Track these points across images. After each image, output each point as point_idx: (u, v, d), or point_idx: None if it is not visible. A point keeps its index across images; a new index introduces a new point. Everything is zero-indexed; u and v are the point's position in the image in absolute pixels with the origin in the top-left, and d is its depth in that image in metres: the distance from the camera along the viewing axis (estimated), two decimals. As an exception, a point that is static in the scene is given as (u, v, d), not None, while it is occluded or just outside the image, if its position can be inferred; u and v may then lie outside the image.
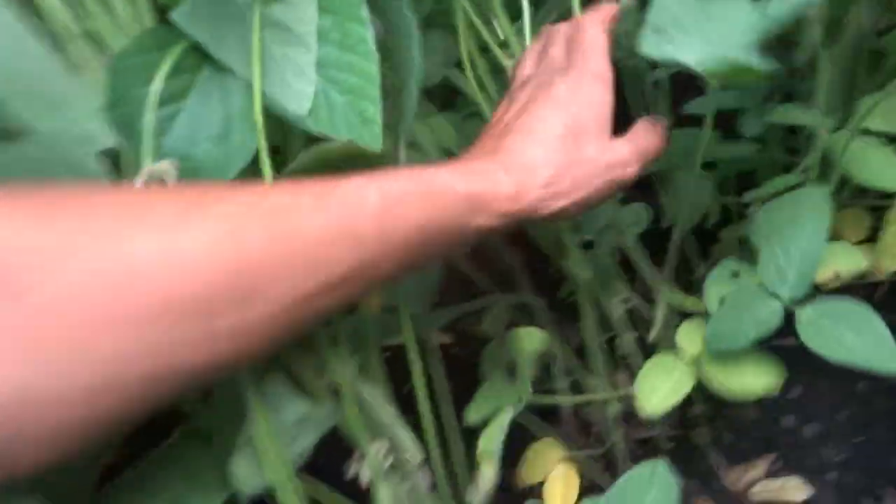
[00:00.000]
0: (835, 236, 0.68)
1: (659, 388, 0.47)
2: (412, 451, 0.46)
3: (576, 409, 0.67)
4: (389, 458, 0.45)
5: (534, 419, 0.63)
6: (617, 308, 0.55)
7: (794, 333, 0.76)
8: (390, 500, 0.45)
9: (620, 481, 0.39)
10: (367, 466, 0.44)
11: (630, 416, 0.70)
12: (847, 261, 0.50)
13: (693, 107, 0.58)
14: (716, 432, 0.71)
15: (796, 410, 0.72)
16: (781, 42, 0.60)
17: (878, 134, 0.51)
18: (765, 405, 0.72)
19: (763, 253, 0.46)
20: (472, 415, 0.53)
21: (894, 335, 0.70)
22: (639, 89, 0.64)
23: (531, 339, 0.52)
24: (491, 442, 0.48)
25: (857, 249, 0.51)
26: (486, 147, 0.40)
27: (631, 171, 0.41)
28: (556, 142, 0.39)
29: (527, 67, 0.46)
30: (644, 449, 0.70)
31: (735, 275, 0.49)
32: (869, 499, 0.64)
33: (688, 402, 0.68)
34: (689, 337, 0.49)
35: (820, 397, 0.72)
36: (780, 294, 0.45)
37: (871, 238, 0.66)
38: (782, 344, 0.72)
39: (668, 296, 0.54)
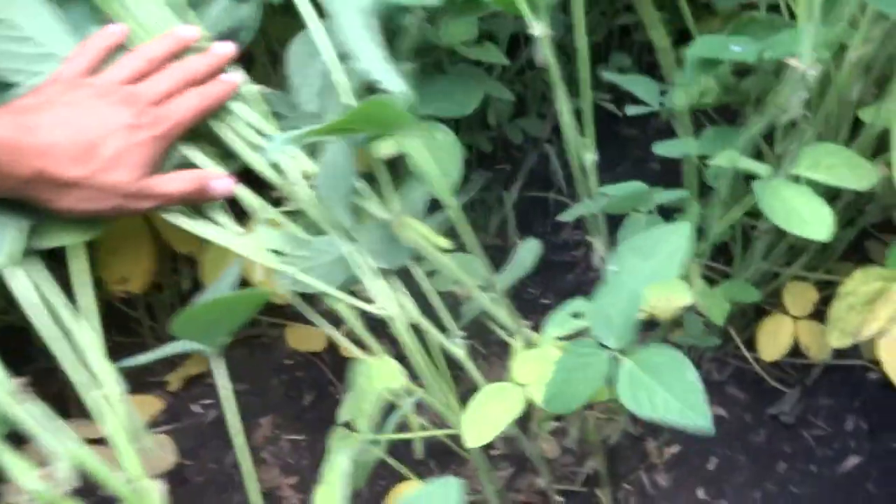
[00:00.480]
0: (780, 309, 0.66)
1: (487, 417, 0.45)
2: None
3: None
4: None
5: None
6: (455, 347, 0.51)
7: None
8: None
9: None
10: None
11: (518, 472, 0.68)
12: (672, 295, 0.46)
13: (662, 149, 0.58)
14: (620, 497, 0.68)
15: (710, 483, 0.69)
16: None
17: (810, 181, 0.51)
18: (678, 474, 0.69)
19: (597, 295, 0.43)
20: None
21: (833, 421, 0.69)
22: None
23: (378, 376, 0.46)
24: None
25: (687, 288, 0.47)
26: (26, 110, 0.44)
27: (145, 206, 0.46)
28: (93, 148, 0.43)
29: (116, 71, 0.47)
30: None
31: (576, 316, 0.46)
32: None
33: (579, 455, 0.67)
34: (524, 368, 0.47)
35: (736, 472, 0.69)
36: (608, 342, 0.42)
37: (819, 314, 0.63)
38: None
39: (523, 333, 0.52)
